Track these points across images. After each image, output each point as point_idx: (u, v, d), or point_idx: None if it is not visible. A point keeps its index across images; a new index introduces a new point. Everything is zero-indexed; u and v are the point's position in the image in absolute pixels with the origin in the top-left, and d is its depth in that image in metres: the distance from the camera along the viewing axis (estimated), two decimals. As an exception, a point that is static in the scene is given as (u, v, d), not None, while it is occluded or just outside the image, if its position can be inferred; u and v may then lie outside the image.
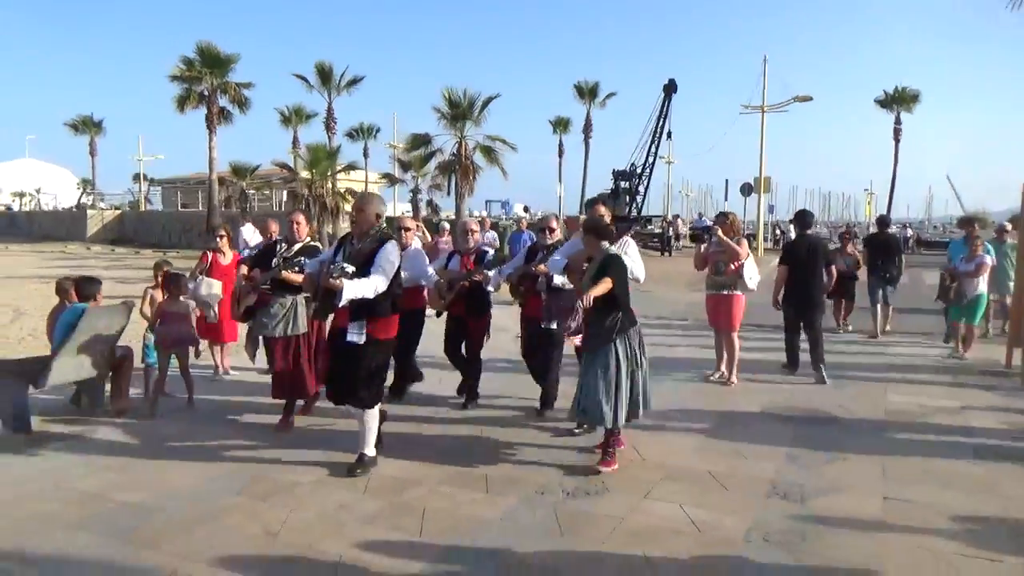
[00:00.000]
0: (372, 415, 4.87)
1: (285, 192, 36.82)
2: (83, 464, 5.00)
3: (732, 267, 7.58)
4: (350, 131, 42.54)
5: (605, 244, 5.05)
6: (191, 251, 33.46)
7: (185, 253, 31.90)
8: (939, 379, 7.89)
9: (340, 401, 4.87)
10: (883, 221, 12.48)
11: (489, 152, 24.27)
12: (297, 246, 5.85)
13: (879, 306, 10.72)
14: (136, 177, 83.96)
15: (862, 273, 11.02)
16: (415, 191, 24.52)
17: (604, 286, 4.74)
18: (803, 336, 8.03)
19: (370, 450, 4.91)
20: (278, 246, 5.97)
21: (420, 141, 24.99)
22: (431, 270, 6.48)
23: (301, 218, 6.03)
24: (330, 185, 24.60)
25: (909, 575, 3.51)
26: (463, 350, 6.59)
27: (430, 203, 26.60)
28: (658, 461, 5.11)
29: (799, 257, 8.05)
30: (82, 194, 72.38)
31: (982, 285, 9.13)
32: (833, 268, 8.50)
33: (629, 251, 5.74)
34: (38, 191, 71.19)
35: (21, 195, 70.77)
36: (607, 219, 5.50)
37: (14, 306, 14.18)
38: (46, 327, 6.59)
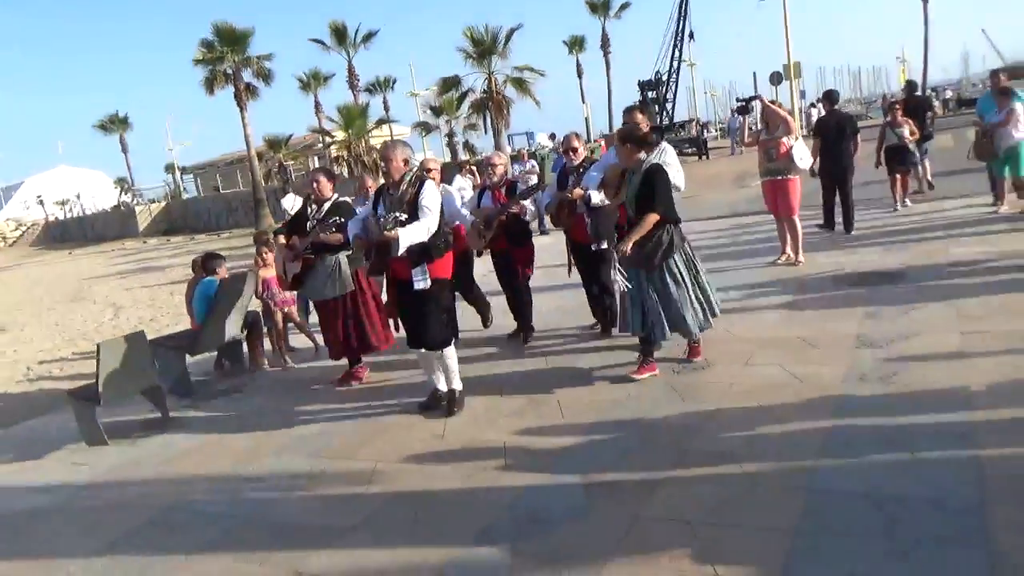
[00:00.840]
0: (451, 352, 5.01)
1: (316, 158, 37.58)
2: (254, 410, 5.79)
3: (782, 151, 7.94)
4: (367, 86, 42.72)
5: (643, 154, 4.89)
6: (239, 229, 34.67)
7: (236, 232, 33.05)
8: (995, 228, 8.22)
9: (421, 346, 4.96)
10: (911, 86, 13.34)
11: (520, 83, 24.45)
12: (326, 205, 5.82)
13: (919, 165, 11.37)
14: (168, 167, 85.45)
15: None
16: (451, 135, 24.93)
17: (649, 222, 4.70)
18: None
19: (458, 384, 5.10)
20: (308, 208, 5.99)
21: (450, 84, 25.28)
22: (465, 210, 6.33)
23: (322, 177, 5.97)
24: (365, 143, 25.07)
25: (995, 387, 4.03)
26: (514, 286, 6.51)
27: (466, 144, 27.02)
28: (749, 335, 5.67)
29: (829, 130, 9.14)
30: (121, 193, 74.36)
31: (1018, 133, 8.83)
32: (858, 139, 9.37)
33: (668, 159, 5.49)
34: (78, 197, 73.18)
35: (64, 203, 72.83)
36: (644, 127, 5.37)
37: (110, 302, 15.25)
38: (185, 300, 7.41)
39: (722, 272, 8.06)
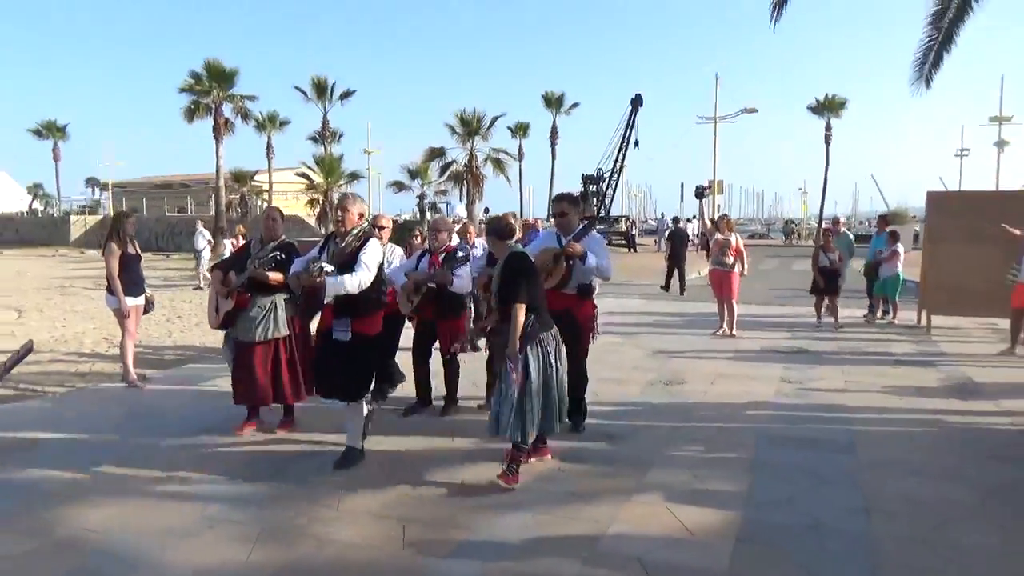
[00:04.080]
0: (357, 408, 5.01)
1: (253, 197, 39.10)
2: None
3: (733, 251, 10.89)
4: (313, 135, 44.06)
5: (510, 243, 4.79)
6: (182, 253, 35.64)
7: (178, 256, 34.04)
8: (871, 330, 11.43)
9: (329, 395, 5.05)
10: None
11: (498, 163, 27.64)
12: (271, 244, 5.71)
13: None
14: (89, 181, 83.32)
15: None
16: (422, 196, 27.54)
17: (520, 316, 4.44)
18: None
19: (357, 443, 5.06)
20: (251, 247, 5.87)
21: (435, 153, 28.31)
22: (399, 273, 6.31)
23: (278, 216, 5.91)
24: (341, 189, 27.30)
25: (865, 404, 6.76)
26: (431, 358, 6.45)
27: (433, 206, 29.70)
28: (709, 370, 8.29)
29: (676, 237, 17.60)
30: (33, 199, 72.36)
31: (898, 267, 12.12)
32: (687, 241, 16.18)
33: (593, 246, 5.47)
34: (-16, 197, 70.51)
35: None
36: (573, 216, 5.56)
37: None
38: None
39: (674, 335, 10.83)
